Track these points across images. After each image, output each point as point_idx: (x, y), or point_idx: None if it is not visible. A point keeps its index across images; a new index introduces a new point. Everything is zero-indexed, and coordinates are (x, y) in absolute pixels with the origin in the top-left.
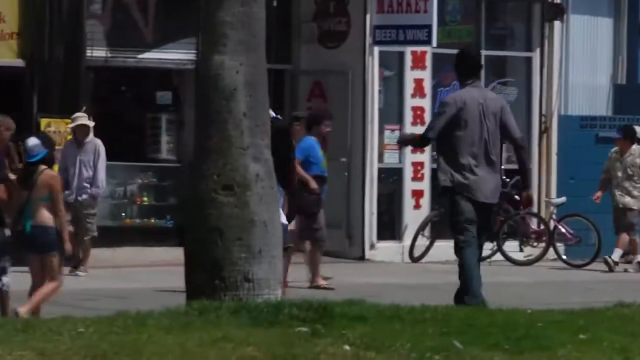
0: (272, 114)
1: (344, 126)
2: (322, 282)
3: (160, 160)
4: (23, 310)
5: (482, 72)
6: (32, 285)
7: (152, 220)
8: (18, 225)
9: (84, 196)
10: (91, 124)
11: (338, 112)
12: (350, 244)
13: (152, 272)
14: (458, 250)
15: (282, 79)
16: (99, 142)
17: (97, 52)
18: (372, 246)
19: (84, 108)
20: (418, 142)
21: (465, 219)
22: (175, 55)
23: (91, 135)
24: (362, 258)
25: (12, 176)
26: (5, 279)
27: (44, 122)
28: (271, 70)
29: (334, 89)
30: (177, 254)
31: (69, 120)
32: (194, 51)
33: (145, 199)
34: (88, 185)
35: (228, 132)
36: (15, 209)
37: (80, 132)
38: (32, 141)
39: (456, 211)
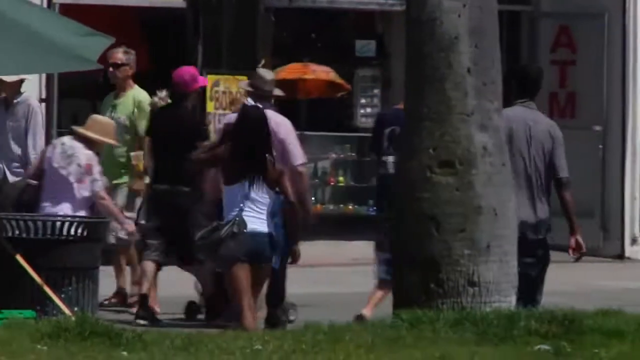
0: (250, 101)
1: (599, 85)
2: None
3: (360, 129)
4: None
5: None
6: None
7: (350, 207)
8: None
9: (17, 178)
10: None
11: (591, 67)
12: (606, 237)
13: (350, 273)
14: None
15: (517, 23)
16: (33, 102)
17: None
18: (634, 241)
19: (262, 62)
20: None
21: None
22: None
23: (25, 93)
24: (620, 256)
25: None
26: None
27: (211, 79)
28: (503, 12)
29: (584, 36)
30: None
31: (242, 77)
32: None
33: (340, 179)
34: (19, 164)
35: (447, 94)
36: None
37: (6, 88)
38: None
39: None
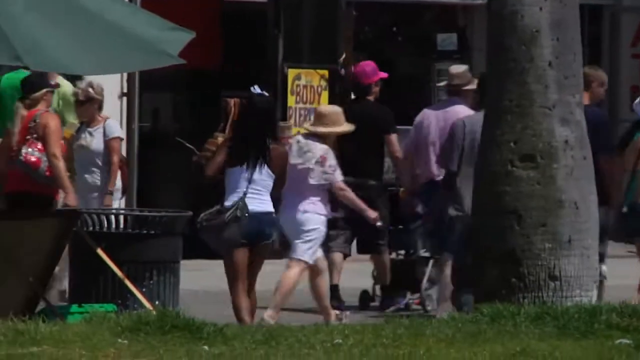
0: (257, 89)
1: None
2: None
3: None
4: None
5: None
6: None
7: None
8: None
9: None
10: None
11: None
12: None
13: None
14: None
15: (599, 17)
16: None
17: None
18: None
19: (344, 55)
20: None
21: None
22: None
23: None
24: None
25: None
26: (603, 267)
27: (292, 72)
28: (584, 6)
29: None
30: None
31: (322, 71)
32: None
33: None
34: None
35: (528, 87)
36: (617, 185)
37: None
38: None
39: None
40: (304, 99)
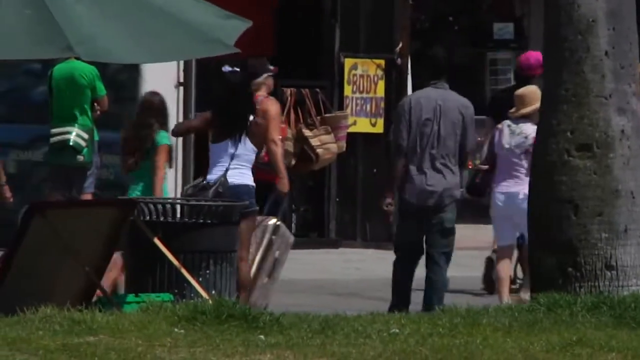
0: (228, 68)
1: None
2: None
3: None
4: None
5: None
6: None
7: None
8: None
9: None
10: None
11: None
12: None
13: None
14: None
15: None
16: None
17: None
18: None
19: (400, 45)
20: (391, 160)
21: (402, 236)
22: None
23: None
24: None
25: (309, 132)
26: None
27: (348, 62)
28: None
29: None
30: None
31: (379, 61)
32: None
33: (477, 162)
34: None
35: (585, 76)
36: None
37: None
38: None
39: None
40: (361, 88)
